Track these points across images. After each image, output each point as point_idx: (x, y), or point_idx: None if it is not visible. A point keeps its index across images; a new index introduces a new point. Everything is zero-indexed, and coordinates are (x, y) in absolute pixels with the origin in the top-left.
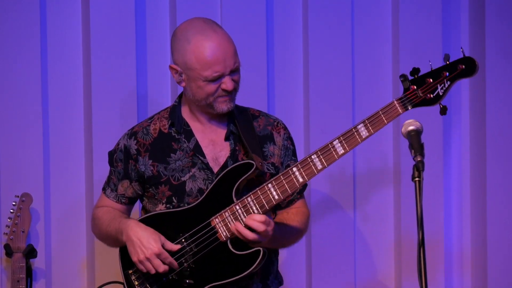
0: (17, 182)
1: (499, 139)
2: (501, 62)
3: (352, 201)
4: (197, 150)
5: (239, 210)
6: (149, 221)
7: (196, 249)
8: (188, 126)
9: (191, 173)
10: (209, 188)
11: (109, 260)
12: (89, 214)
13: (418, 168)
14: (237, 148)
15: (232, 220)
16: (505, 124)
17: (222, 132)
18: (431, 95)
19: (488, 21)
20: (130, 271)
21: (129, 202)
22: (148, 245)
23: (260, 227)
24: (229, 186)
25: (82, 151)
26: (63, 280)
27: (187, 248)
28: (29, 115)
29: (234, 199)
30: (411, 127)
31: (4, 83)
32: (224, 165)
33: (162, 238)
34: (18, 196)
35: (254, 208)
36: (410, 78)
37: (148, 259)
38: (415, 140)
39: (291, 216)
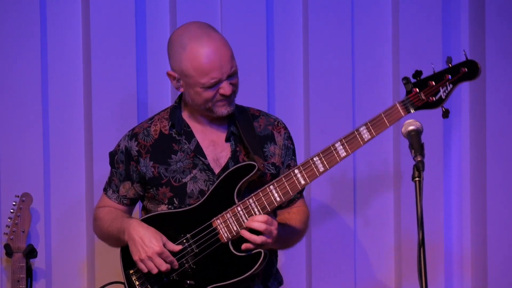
0: (17, 182)
1: (499, 140)
2: (501, 62)
3: (352, 204)
4: (198, 151)
5: (241, 212)
6: (150, 221)
7: (197, 250)
8: (189, 127)
9: (192, 175)
10: (211, 189)
11: (109, 260)
12: (89, 214)
13: (418, 168)
14: (237, 149)
15: (233, 221)
16: (505, 124)
17: (222, 133)
18: (434, 98)
19: (488, 21)
20: (131, 271)
21: (131, 203)
22: (149, 244)
23: (261, 226)
24: (230, 188)
25: (82, 151)
26: (63, 280)
27: (188, 248)
28: (29, 115)
29: (236, 200)
30: (411, 127)
31: (4, 83)
32: (225, 166)
33: (164, 238)
34: (18, 196)
35: (255, 209)
36: (413, 80)
37: (149, 258)
38: (415, 140)
39: (293, 216)
